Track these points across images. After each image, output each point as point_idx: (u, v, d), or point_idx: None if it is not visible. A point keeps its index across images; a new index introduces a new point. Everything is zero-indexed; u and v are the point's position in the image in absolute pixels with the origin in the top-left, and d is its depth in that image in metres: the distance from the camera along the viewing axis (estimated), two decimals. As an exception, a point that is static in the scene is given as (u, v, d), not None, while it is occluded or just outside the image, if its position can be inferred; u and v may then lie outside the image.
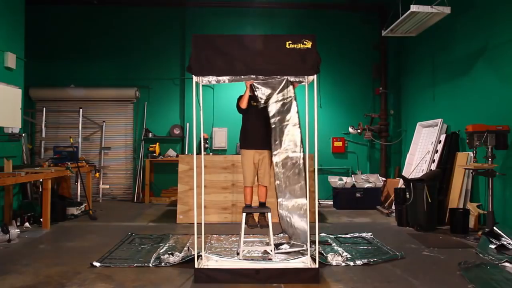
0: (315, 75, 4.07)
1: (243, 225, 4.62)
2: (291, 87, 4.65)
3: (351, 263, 4.50)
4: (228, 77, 4.39)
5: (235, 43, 4.01)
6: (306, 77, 4.38)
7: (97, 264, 4.42)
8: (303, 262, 4.28)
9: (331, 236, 5.82)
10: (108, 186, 9.45)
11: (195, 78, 4.17)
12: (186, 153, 9.31)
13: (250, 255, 4.81)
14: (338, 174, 9.25)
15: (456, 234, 5.88)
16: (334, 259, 4.55)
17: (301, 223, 4.72)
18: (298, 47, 3.93)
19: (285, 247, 4.89)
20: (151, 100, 9.71)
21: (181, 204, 6.90)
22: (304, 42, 3.93)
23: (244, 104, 4.77)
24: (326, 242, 5.42)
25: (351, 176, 8.90)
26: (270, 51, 3.97)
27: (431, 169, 7.08)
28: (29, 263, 4.50)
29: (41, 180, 6.72)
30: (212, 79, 4.41)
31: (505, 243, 5.08)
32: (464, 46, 6.92)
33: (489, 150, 5.59)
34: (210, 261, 4.31)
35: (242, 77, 4.37)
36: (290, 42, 3.94)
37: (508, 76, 5.83)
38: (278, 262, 4.38)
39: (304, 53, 3.93)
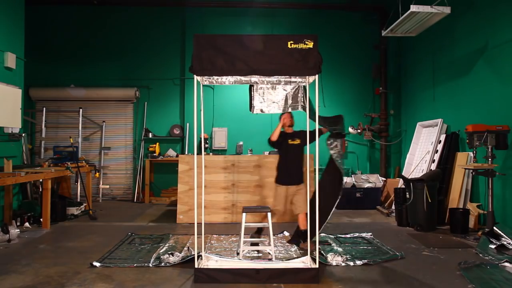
0: (317, 75, 4.07)
1: (243, 225, 4.62)
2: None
3: (351, 263, 4.50)
4: (229, 79, 4.40)
5: (236, 43, 4.00)
6: (307, 77, 4.39)
7: (97, 264, 4.42)
8: (303, 262, 4.29)
9: (331, 236, 5.82)
10: (108, 186, 9.46)
11: (196, 78, 4.16)
12: (186, 153, 9.31)
13: (250, 255, 4.81)
14: (338, 174, 9.24)
15: (456, 234, 5.88)
16: (334, 259, 4.55)
17: None
18: (300, 47, 3.93)
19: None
20: (151, 100, 9.72)
21: (181, 204, 6.90)
22: (306, 42, 3.93)
23: (274, 137, 5.03)
24: (326, 242, 5.42)
25: (351, 176, 8.89)
26: (271, 51, 3.97)
27: (431, 169, 7.08)
28: (29, 263, 4.50)
29: (41, 180, 6.72)
30: (214, 79, 4.42)
31: (505, 243, 5.09)
32: (464, 46, 6.93)
33: (489, 150, 5.59)
34: (210, 261, 4.31)
35: (243, 79, 4.38)
36: (292, 42, 3.93)
37: (508, 76, 5.83)
38: (278, 262, 4.38)
39: (305, 53, 3.93)
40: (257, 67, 3.96)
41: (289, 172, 5.10)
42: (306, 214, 4.82)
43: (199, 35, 4.04)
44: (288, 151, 5.12)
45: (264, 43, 3.98)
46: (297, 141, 5.11)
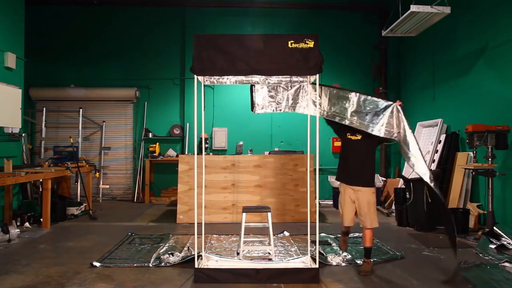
0: (317, 75, 4.07)
1: (243, 225, 4.62)
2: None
3: (351, 263, 4.49)
4: (231, 78, 4.40)
5: (237, 43, 4.00)
6: (308, 76, 4.39)
7: (97, 264, 4.42)
8: (303, 262, 4.29)
9: (331, 236, 5.81)
10: (108, 186, 9.45)
11: (197, 78, 4.16)
12: (186, 153, 9.31)
13: (250, 255, 4.81)
14: (338, 174, 9.24)
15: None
16: (334, 259, 4.55)
17: None
18: (300, 46, 3.93)
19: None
20: (151, 100, 9.72)
21: (181, 204, 6.90)
22: (307, 42, 3.92)
23: None
24: (326, 242, 5.42)
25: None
26: (272, 51, 3.96)
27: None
28: (29, 263, 4.49)
29: (41, 180, 6.72)
30: (215, 79, 4.42)
31: (505, 243, 5.08)
32: (464, 46, 6.93)
33: (489, 150, 5.59)
34: (210, 261, 4.31)
35: (244, 79, 4.38)
36: (292, 41, 3.93)
37: (508, 76, 5.83)
38: (278, 262, 4.38)
39: (306, 52, 3.93)
40: (258, 67, 3.96)
41: (347, 168, 4.43)
42: (371, 230, 4.29)
43: (199, 35, 4.04)
44: (346, 145, 4.48)
45: (265, 43, 3.99)
46: (358, 137, 4.40)
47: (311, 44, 3.92)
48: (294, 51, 3.93)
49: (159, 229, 6.31)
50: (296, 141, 9.40)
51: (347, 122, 4.35)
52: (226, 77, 4.34)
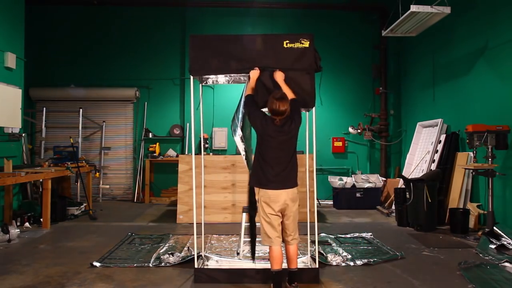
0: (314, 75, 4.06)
1: (243, 225, 4.62)
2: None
3: (351, 263, 4.49)
4: (227, 79, 4.39)
5: (232, 43, 4.00)
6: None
7: (97, 264, 4.42)
8: (303, 262, 4.29)
9: (331, 236, 5.81)
10: (108, 186, 9.45)
11: (194, 78, 4.16)
12: (186, 153, 9.31)
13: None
14: (338, 174, 9.24)
15: (456, 234, 5.88)
16: (334, 259, 4.55)
17: None
18: (295, 46, 3.92)
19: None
20: (151, 100, 9.72)
21: (181, 204, 6.90)
22: (302, 42, 3.91)
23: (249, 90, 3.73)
24: (326, 242, 5.42)
25: (351, 176, 8.88)
26: (267, 51, 3.96)
27: (431, 169, 7.08)
28: (29, 263, 4.50)
29: (41, 180, 6.72)
30: (211, 79, 4.41)
31: (505, 243, 5.09)
32: (464, 46, 6.93)
33: (489, 150, 5.59)
34: (210, 261, 4.32)
35: (241, 78, 4.37)
36: (287, 41, 3.93)
37: (508, 76, 5.83)
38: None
39: (301, 52, 3.92)
40: (253, 67, 3.95)
41: (269, 167, 3.64)
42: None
43: (194, 36, 4.05)
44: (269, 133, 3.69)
45: (260, 43, 3.99)
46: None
47: (306, 44, 3.92)
48: (290, 51, 3.92)
49: (159, 229, 6.31)
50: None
51: None
52: (221, 77, 4.30)
